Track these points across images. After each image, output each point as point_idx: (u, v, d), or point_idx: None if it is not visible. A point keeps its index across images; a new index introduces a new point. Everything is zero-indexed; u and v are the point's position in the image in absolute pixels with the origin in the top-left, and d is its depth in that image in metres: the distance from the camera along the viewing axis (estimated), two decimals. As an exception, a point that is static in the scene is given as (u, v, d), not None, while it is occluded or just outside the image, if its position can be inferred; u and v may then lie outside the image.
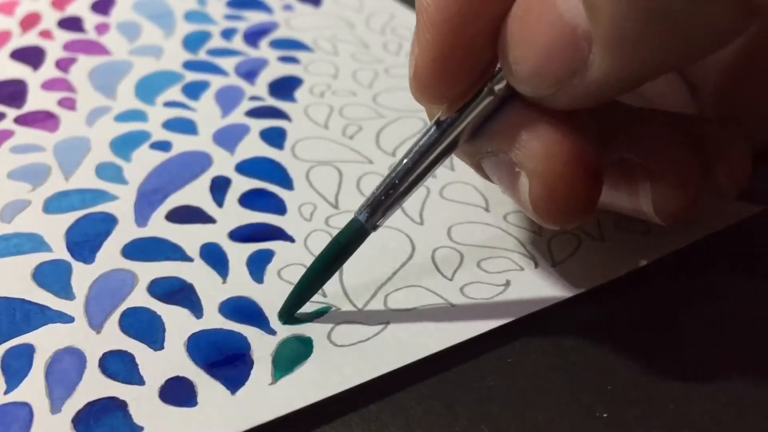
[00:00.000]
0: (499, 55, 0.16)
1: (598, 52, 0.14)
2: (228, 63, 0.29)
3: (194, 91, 0.27)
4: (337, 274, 0.20)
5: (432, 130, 0.17)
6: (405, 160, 0.17)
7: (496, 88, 0.16)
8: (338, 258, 0.18)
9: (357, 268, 0.20)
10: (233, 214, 0.22)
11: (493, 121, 0.16)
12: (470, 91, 0.16)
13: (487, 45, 0.16)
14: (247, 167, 0.24)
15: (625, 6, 0.13)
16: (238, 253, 0.21)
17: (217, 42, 0.31)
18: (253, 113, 0.26)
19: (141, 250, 0.21)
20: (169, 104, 0.27)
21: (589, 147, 0.16)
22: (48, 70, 0.28)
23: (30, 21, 0.31)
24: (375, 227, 0.18)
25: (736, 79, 0.19)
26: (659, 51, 0.14)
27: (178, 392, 0.17)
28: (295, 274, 0.20)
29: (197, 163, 0.24)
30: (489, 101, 0.16)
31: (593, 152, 0.16)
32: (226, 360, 0.18)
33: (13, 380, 0.17)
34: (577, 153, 0.15)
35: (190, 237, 0.21)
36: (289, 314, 0.18)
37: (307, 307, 0.19)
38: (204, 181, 0.23)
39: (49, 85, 0.27)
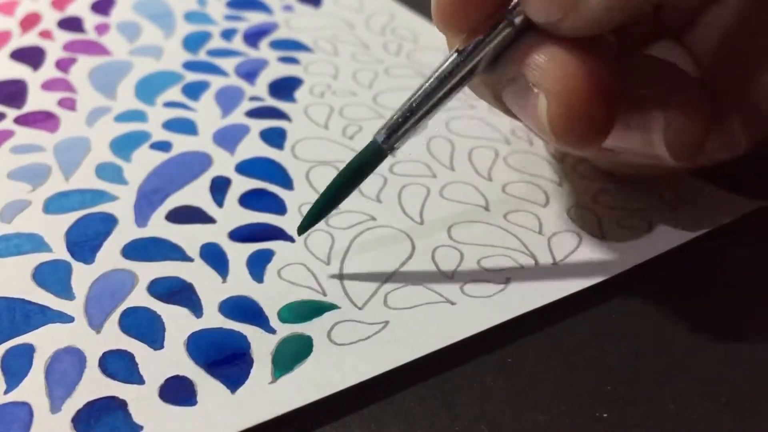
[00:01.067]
0: None
1: None
2: (228, 63, 0.29)
3: (194, 91, 0.27)
4: (337, 273, 0.20)
5: (453, 57, 0.17)
6: (425, 85, 0.18)
7: (516, 20, 0.17)
8: (355, 178, 0.19)
9: (357, 267, 0.20)
10: (233, 214, 0.22)
11: (512, 49, 0.17)
12: (489, 21, 0.17)
13: None
14: (247, 167, 0.24)
15: None
16: (238, 253, 0.21)
17: (217, 42, 0.31)
18: (253, 113, 0.26)
19: (141, 250, 0.21)
20: (169, 104, 0.27)
21: (606, 69, 0.16)
22: (48, 70, 0.28)
23: (30, 21, 0.31)
24: (392, 149, 0.19)
25: (742, 56, 0.20)
26: None
27: (178, 391, 0.17)
28: (295, 274, 0.20)
29: (197, 163, 0.24)
30: (507, 31, 0.17)
31: (610, 74, 0.16)
32: (226, 359, 0.18)
33: (13, 380, 0.17)
34: (593, 73, 0.16)
35: (190, 237, 0.21)
36: (306, 229, 0.20)
37: (309, 302, 0.19)
38: (204, 182, 0.23)
39: (49, 86, 0.27)
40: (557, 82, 0.16)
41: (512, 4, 0.17)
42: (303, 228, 0.20)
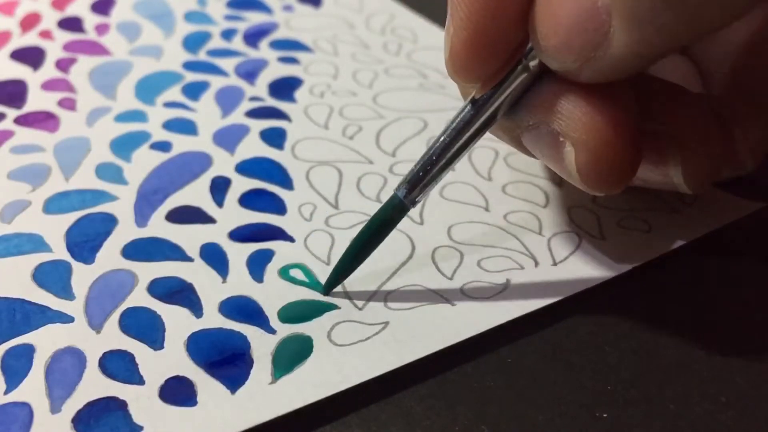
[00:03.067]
0: (530, 32, 0.16)
1: (617, 24, 0.15)
2: (228, 63, 0.29)
3: (194, 91, 0.27)
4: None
5: (468, 107, 0.17)
6: (443, 137, 0.18)
7: (531, 64, 0.17)
8: (379, 234, 0.19)
9: (357, 267, 0.20)
10: (233, 215, 0.22)
11: (531, 95, 0.17)
12: (504, 69, 0.17)
13: (519, 23, 0.16)
14: (247, 167, 0.24)
15: None
16: (238, 253, 0.21)
17: (217, 42, 0.31)
18: (253, 114, 0.26)
19: (141, 250, 0.21)
20: (169, 105, 0.27)
21: (629, 115, 0.16)
22: (48, 70, 0.28)
23: (30, 21, 0.31)
24: (414, 203, 0.18)
25: (748, 66, 0.20)
26: (674, 22, 0.14)
27: (178, 392, 0.17)
28: (295, 273, 0.20)
29: (197, 163, 0.24)
30: (524, 77, 0.17)
31: (633, 120, 0.16)
32: (226, 359, 0.18)
33: (13, 380, 0.17)
34: (619, 120, 0.16)
35: (190, 237, 0.21)
36: (331, 288, 0.19)
37: (309, 302, 0.19)
38: (204, 182, 0.23)
39: (49, 86, 0.27)
40: (585, 131, 0.16)
41: (527, 48, 0.17)
42: (328, 287, 0.19)
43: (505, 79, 0.17)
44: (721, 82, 0.20)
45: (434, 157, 0.18)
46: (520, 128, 0.18)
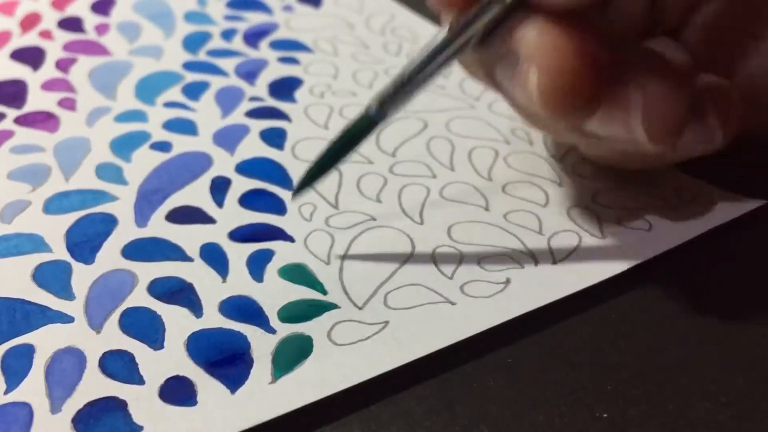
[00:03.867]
0: None
1: None
2: (228, 63, 0.29)
3: (194, 91, 0.27)
4: (337, 274, 0.20)
5: (445, 33, 0.18)
6: (418, 59, 0.18)
7: None
8: (348, 145, 0.20)
9: (357, 267, 0.20)
10: (233, 215, 0.22)
11: (503, 25, 0.18)
12: None
13: None
14: (247, 167, 0.24)
15: None
16: (237, 253, 0.21)
17: (217, 43, 0.31)
18: (253, 114, 0.26)
19: (141, 250, 0.21)
20: (169, 105, 0.27)
21: (594, 43, 0.17)
22: (48, 70, 0.28)
23: (30, 21, 0.31)
24: (384, 118, 0.19)
25: (720, 40, 0.21)
26: None
27: (178, 392, 0.17)
28: (296, 273, 0.20)
29: (197, 163, 0.24)
30: (498, 7, 0.17)
31: (598, 48, 0.17)
32: (225, 359, 0.18)
33: (13, 380, 0.17)
34: (581, 46, 0.17)
35: (190, 237, 0.21)
36: (298, 192, 0.20)
37: (309, 302, 0.19)
38: (204, 182, 0.23)
39: (49, 86, 0.27)
40: (547, 55, 0.17)
41: None
42: (296, 192, 0.20)
43: (482, 8, 0.18)
44: (706, 63, 0.21)
45: (406, 77, 0.18)
46: (492, 59, 0.18)
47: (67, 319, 0.18)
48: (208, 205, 0.22)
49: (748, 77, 0.20)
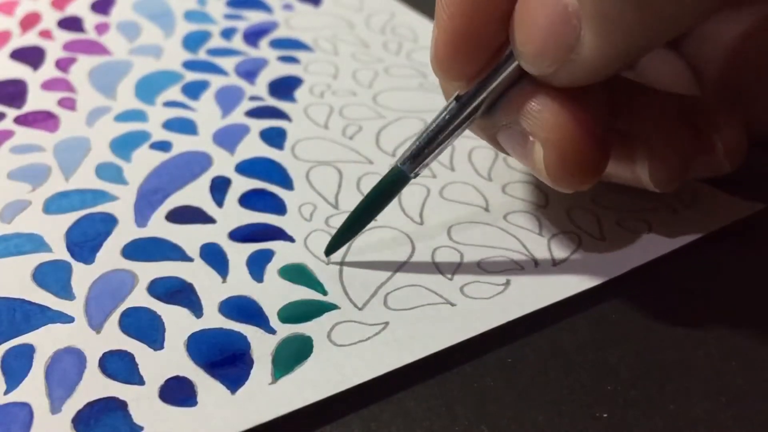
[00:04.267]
0: (510, 38, 0.17)
1: (586, 29, 0.16)
2: (228, 63, 0.29)
3: (194, 91, 0.27)
4: (337, 274, 0.20)
5: (452, 104, 0.18)
6: (428, 130, 0.19)
7: (510, 67, 0.17)
8: (379, 200, 0.20)
9: (357, 267, 0.20)
10: (233, 214, 0.22)
11: (507, 96, 0.18)
12: (485, 70, 0.18)
13: (499, 27, 0.17)
14: (247, 167, 0.24)
15: None
16: (238, 253, 0.21)
17: (216, 42, 0.31)
18: (253, 113, 0.26)
19: (141, 250, 0.21)
20: (169, 104, 0.27)
21: (596, 117, 0.17)
22: (48, 70, 0.28)
23: (30, 21, 0.31)
24: (414, 175, 0.19)
25: (737, 66, 0.21)
26: (640, 25, 0.15)
27: (178, 392, 0.17)
28: (296, 273, 0.20)
29: (197, 163, 0.24)
30: (503, 78, 0.18)
31: (600, 121, 0.17)
32: (226, 359, 0.18)
33: (13, 380, 0.17)
34: (585, 122, 0.17)
35: (190, 237, 0.21)
36: (331, 251, 0.20)
37: (309, 302, 0.19)
38: (204, 182, 0.23)
39: (49, 85, 0.27)
40: (551, 131, 0.17)
41: (506, 53, 0.17)
42: (329, 250, 0.20)
43: (487, 80, 0.18)
44: (709, 83, 0.21)
45: (415, 149, 0.19)
46: (496, 127, 0.19)
47: (67, 319, 0.18)
48: (208, 205, 0.22)
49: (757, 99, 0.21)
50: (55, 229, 0.21)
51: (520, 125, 0.18)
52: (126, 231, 0.21)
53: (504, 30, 0.17)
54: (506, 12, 0.17)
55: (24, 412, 0.16)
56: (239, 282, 0.20)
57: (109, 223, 0.21)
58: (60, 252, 0.20)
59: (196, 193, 0.23)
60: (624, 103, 0.19)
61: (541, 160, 0.17)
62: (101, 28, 0.31)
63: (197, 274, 0.20)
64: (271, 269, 0.20)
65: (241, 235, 0.21)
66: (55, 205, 0.22)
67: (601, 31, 0.15)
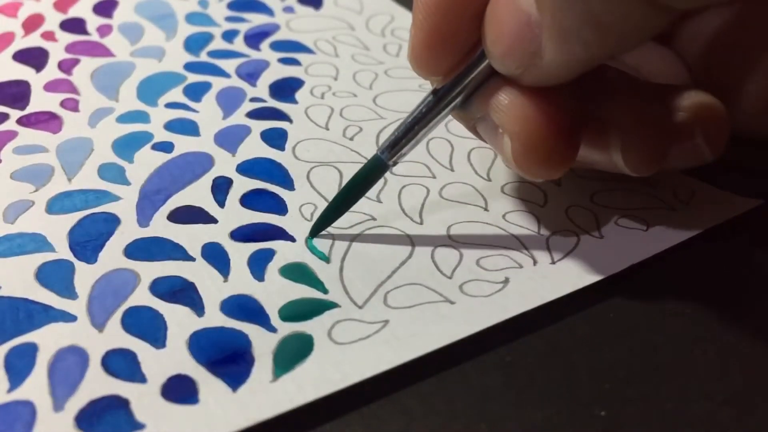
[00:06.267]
0: (482, 37, 0.18)
1: (546, 39, 0.16)
2: (229, 65, 0.29)
3: (196, 92, 0.28)
4: (337, 273, 0.20)
5: (429, 98, 0.20)
6: (407, 120, 0.20)
7: (483, 64, 0.18)
8: (359, 186, 0.21)
9: (357, 266, 0.20)
10: (234, 214, 0.22)
11: (481, 90, 0.19)
12: (459, 66, 0.19)
13: (472, 27, 0.18)
14: (248, 168, 0.24)
15: (559, 1, 0.16)
16: (239, 253, 0.21)
17: (218, 44, 0.31)
18: (255, 114, 0.27)
19: (143, 249, 0.21)
20: (171, 105, 0.27)
21: (564, 108, 0.18)
22: (51, 71, 0.28)
23: (33, 23, 0.32)
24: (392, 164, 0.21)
25: (726, 62, 0.21)
26: (595, 38, 0.16)
27: (180, 390, 0.17)
28: (296, 272, 0.20)
29: (199, 163, 0.24)
30: (477, 74, 0.19)
31: (567, 115, 0.18)
32: (227, 358, 0.18)
33: (17, 379, 0.17)
34: (550, 114, 0.18)
35: (191, 237, 0.21)
36: (313, 234, 0.21)
37: (309, 301, 0.19)
38: (205, 182, 0.23)
39: (51, 87, 0.28)
40: (517, 124, 0.18)
41: (479, 51, 0.18)
42: (312, 233, 0.21)
43: (462, 75, 0.19)
44: (699, 78, 0.21)
45: (396, 136, 0.20)
46: (473, 119, 0.20)
47: (69, 318, 0.19)
48: (209, 205, 0.22)
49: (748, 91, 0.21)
50: (58, 229, 0.21)
51: (491, 118, 0.19)
52: (128, 231, 0.21)
53: (477, 29, 0.18)
54: (479, 12, 0.18)
55: (27, 410, 0.16)
56: (240, 281, 0.20)
57: (111, 223, 0.22)
58: (63, 251, 0.20)
59: (197, 194, 0.23)
60: (600, 89, 0.19)
61: (509, 150, 0.18)
62: (104, 30, 0.31)
63: (199, 273, 0.20)
64: (272, 268, 0.20)
65: (243, 234, 0.21)
66: (57, 205, 0.22)
67: (559, 42, 0.16)
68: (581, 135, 0.19)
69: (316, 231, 0.21)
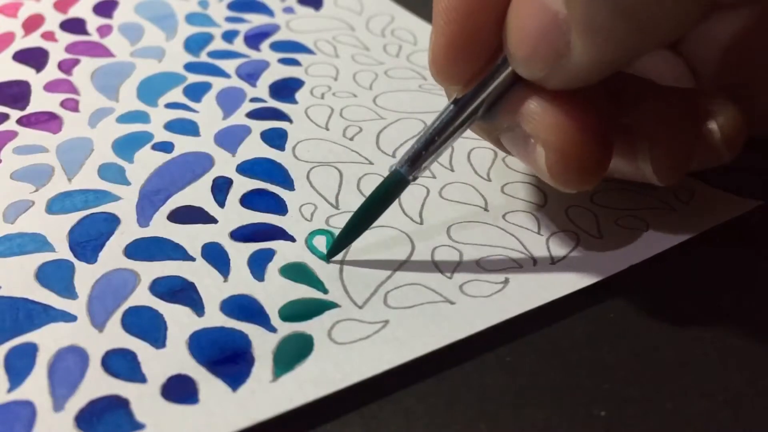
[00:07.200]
0: (503, 42, 0.17)
1: (575, 36, 0.16)
2: (229, 65, 0.29)
3: (196, 92, 0.28)
4: (337, 273, 0.20)
5: (450, 107, 0.19)
6: (428, 131, 0.19)
7: (506, 71, 0.18)
8: (379, 203, 0.20)
9: (357, 266, 0.20)
10: (234, 215, 0.22)
11: (506, 99, 0.18)
12: (482, 74, 0.18)
13: (494, 32, 0.17)
14: (248, 168, 0.24)
15: None
16: (239, 253, 0.21)
17: (218, 44, 0.31)
18: (255, 115, 0.27)
19: (143, 249, 0.21)
20: (171, 106, 0.27)
21: (596, 114, 0.17)
22: (51, 71, 0.28)
23: (33, 23, 0.32)
24: (413, 179, 0.20)
25: (734, 66, 0.21)
26: (627, 33, 0.15)
27: (180, 390, 0.17)
28: (296, 272, 0.20)
29: (199, 163, 0.24)
30: (500, 81, 0.18)
31: (601, 120, 0.17)
32: (227, 358, 0.18)
33: (16, 379, 0.17)
34: (584, 121, 0.17)
35: (191, 237, 0.21)
36: (333, 254, 0.20)
37: (310, 301, 0.19)
38: (206, 182, 0.23)
39: (52, 87, 0.28)
40: (551, 133, 0.17)
41: (502, 57, 0.18)
42: (330, 254, 0.20)
43: (484, 83, 0.18)
44: (706, 83, 0.21)
45: (415, 149, 0.19)
46: (498, 130, 0.19)
47: (69, 317, 0.19)
48: (209, 205, 0.22)
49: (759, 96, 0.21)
50: (57, 229, 0.21)
51: (521, 128, 0.18)
52: (128, 231, 0.21)
53: (499, 34, 0.17)
54: (501, 16, 0.17)
55: (27, 410, 0.16)
56: (240, 281, 0.20)
57: (111, 223, 0.22)
58: (63, 251, 0.20)
59: (197, 194, 0.23)
60: (626, 97, 0.19)
61: (544, 162, 0.17)
62: (104, 31, 0.31)
63: (199, 273, 0.20)
64: (272, 268, 0.20)
65: (243, 234, 0.21)
66: (57, 205, 0.22)
67: (590, 39, 0.16)
68: (614, 141, 0.18)
69: (334, 252, 0.20)
